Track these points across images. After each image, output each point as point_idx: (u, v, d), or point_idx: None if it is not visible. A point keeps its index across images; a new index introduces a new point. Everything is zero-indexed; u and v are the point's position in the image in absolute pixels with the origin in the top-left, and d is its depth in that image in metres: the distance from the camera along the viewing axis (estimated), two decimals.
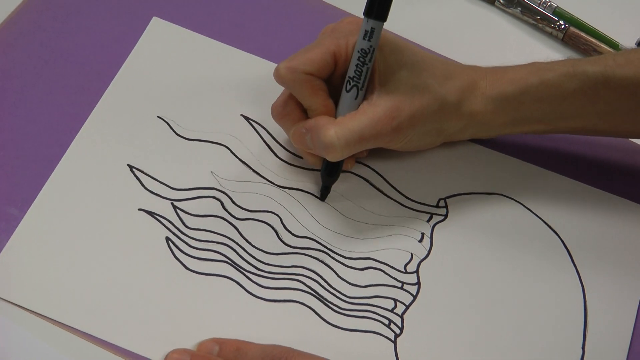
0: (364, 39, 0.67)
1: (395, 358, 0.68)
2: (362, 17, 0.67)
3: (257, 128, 0.76)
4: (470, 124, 0.72)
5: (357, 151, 0.69)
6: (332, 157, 0.68)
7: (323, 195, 0.73)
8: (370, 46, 0.67)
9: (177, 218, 0.71)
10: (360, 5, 0.84)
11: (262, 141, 0.75)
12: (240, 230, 0.71)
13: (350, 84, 0.68)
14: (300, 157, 0.75)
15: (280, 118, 0.72)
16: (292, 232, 0.72)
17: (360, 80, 0.68)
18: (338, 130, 0.67)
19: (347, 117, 0.68)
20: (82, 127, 0.73)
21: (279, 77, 0.69)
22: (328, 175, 0.72)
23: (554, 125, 0.73)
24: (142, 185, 0.72)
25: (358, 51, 0.67)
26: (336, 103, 0.70)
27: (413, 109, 0.68)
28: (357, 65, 0.68)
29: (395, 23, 0.83)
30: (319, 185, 0.74)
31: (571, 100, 0.71)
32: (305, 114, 0.71)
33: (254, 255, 0.70)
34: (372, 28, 0.66)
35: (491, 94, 0.71)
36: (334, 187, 0.74)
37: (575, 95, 0.70)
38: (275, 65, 0.78)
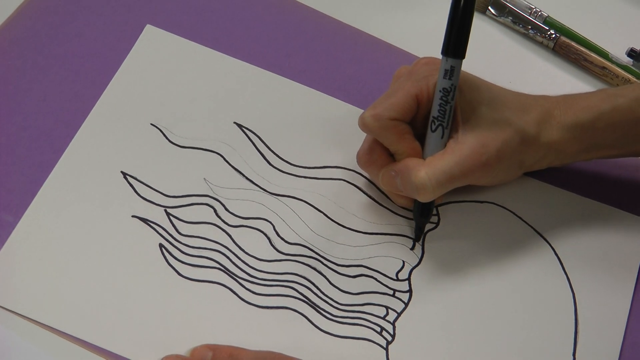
0: (444, 78, 0.67)
1: None
2: (440, 56, 0.67)
3: (250, 136, 0.76)
4: (548, 154, 0.72)
5: (447, 190, 0.69)
6: (424, 198, 0.69)
7: (418, 236, 0.73)
8: (452, 84, 0.67)
9: (171, 225, 0.71)
10: (354, 14, 0.84)
11: (255, 149, 0.75)
12: (233, 237, 0.71)
13: (435, 124, 0.69)
14: (293, 165, 0.75)
15: (368, 165, 0.72)
16: (285, 239, 0.72)
17: (445, 119, 0.68)
18: (429, 172, 0.67)
19: (436, 157, 0.68)
20: (76, 134, 0.73)
21: (364, 126, 0.69)
22: (421, 216, 0.72)
23: (626, 150, 0.74)
24: (136, 192, 0.72)
25: (440, 90, 0.68)
26: (422, 144, 0.70)
27: (498, 143, 0.68)
28: (440, 105, 0.68)
29: (387, 32, 0.84)
30: (312, 193, 0.74)
31: None
32: (391, 158, 0.71)
33: (246, 262, 0.71)
34: (451, 66, 0.67)
35: (566, 122, 0.71)
36: (327, 194, 0.74)
37: None
38: (268, 72, 0.79)
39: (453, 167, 0.68)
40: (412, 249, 0.73)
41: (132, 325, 0.66)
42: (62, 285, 0.67)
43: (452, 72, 0.67)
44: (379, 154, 0.71)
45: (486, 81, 0.72)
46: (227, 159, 0.75)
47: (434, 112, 0.69)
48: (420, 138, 0.70)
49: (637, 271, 0.74)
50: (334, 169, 0.76)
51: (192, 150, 0.75)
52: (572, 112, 0.71)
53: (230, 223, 0.72)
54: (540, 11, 0.87)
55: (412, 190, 0.69)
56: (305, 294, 0.70)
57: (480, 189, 0.76)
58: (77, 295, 0.67)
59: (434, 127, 0.69)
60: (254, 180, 0.74)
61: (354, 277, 0.71)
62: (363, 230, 0.73)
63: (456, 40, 0.67)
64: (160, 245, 0.70)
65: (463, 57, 0.67)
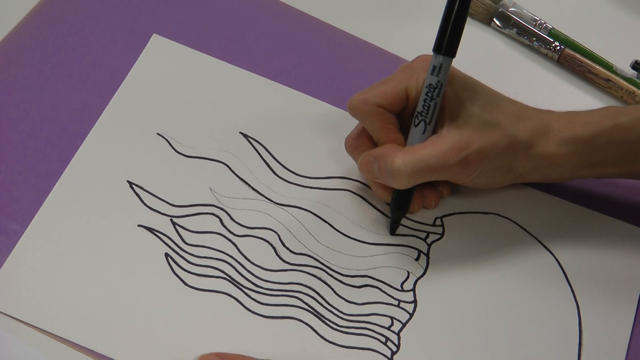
0: (432, 74, 0.68)
1: None
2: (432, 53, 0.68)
3: (255, 146, 0.76)
4: (542, 166, 0.72)
5: (423, 180, 0.69)
6: (398, 184, 0.69)
7: (392, 229, 0.74)
8: (438, 81, 0.68)
9: (176, 234, 0.71)
10: (359, 24, 0.85)
11: (260, 159, 0.76)
12: (238, 246, 0.71)
13: (418, 119, 0.69)
14: (298, 175, 0.75)
15: (352, 150, 0.73)
16: (290, 249, 0.72)
17: (428, 115, 0.69)
18: (405, 158, 0.68)
19: (416, 147, 0.69)
20: (83, 143, 0.73)
21: (351, 108, 0.70)
22: (397, 208, 0.72)
23: (627, 169, 0.73)
24: (142, 201, 0.72)
25: (426, 86, 0.68)
26: (406, 138, 0.71)
27: (482, 143, 0.68)
28: (424, 100, 0.68)
29: (392, 42, 0.84)
30: (316, 202, 0.74)
31: None
32: (375, 146, 0.72)
33: (252, 271, 0.71)
34: (440, 64, 0.67)
35: (564, 137, 0.71)
36: (332, 204, 0.74)
37: None
38: (274, 82, 0.79)
39: (431, 157, 0.68)
40: (417, 259, 0.73)
41: (139, 334, 0.67)
42: (69, 294, 0.67)
43: (440, 70, 0.67)
44: (364, 141, 0.72)
45: (487, 86, 0.72)
46: (232, 168, 0.75)
47: (419, 106, 0.69)
48: (407, 132, 0.71)
49: None
50: (339, 179, 0.76)
51: (198, 160, 0.75)
52: (572, 127, 0.71)
53: (235, 233, 0.72)
54: (545, 23, 0.87)
55: (387, 175, 0.69)
56: (310, 303, 0.70)
57: (484, 200, 0.76)
58: (83, 304, 0.67)
59: (417, 121, 0.69)
60: (259, 190, 0.74)
61: (359, 287, 0.71)
62: (368, 241, 0.73)
63: (447, 39, 0.67)
64: (166, 255, 0.70)
65: (453, 56, 0.68)
